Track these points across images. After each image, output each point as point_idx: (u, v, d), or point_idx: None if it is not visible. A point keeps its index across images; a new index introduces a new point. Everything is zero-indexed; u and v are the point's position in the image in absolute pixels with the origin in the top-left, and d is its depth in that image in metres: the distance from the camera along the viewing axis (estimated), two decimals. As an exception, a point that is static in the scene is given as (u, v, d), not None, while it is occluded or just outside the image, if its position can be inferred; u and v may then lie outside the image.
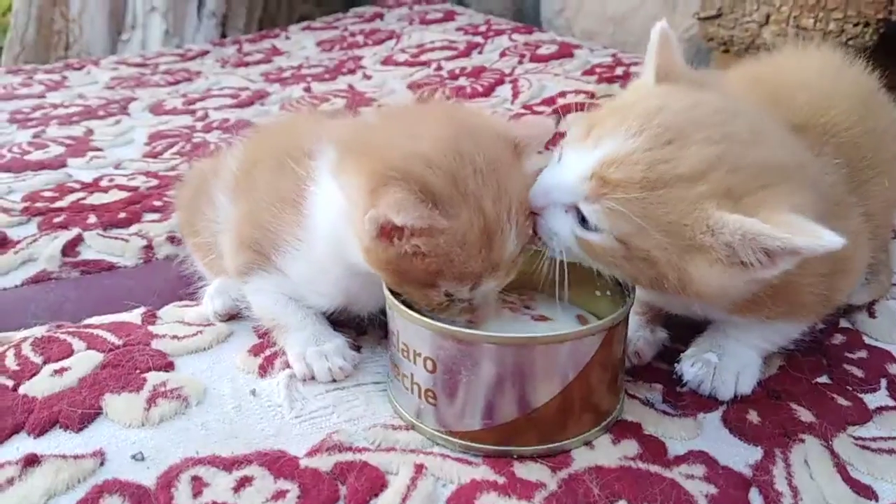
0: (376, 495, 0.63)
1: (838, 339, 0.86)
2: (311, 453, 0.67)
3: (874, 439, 0.71)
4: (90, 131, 1.61)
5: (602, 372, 0.70)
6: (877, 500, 0.65)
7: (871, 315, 0.89)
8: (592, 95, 1.61)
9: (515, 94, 1.66)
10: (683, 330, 0.83)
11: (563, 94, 1.63)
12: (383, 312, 0.82)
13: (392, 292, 0.71)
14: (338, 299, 0.79)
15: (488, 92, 1.71)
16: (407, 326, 0.69)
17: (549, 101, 1.61)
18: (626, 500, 0.63)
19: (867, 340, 0.85)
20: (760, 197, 0.62)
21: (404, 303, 0.70)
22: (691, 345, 0.81)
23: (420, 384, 0.70)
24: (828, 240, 0.58)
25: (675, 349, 0.83)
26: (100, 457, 0.66)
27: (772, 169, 0.64)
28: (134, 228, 1.16)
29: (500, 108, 1.62)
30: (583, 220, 0.66)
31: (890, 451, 0.69)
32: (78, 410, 0.70)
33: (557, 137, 0.76)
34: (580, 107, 1.51)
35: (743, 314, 0.74)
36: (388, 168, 0.64)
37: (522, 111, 1.58)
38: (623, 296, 0.74)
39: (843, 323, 0.89)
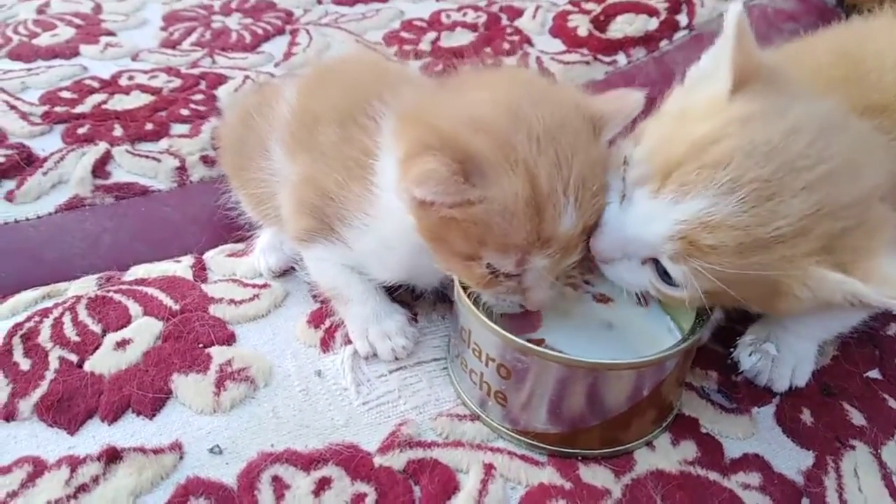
0: (449, 498, 0.66)
1: (893, 328, 0.86)
2: (384, 449, 0.69)
3: (920, 448, 0.74)
4: (98, 7, 1.48)
5: (675, 381, 0.70)
6: (918, 515, 0.68)
7: (928, 303, 0.89)
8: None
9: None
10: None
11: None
12: (442, 285, 0.82)
13: (463, 289, 0.70)
14: (402, 274, 0.77)
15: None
16: (481, 331, 0.68)
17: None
18: (688, 514, 0.66)
19: (920, 331, 0.86)
20: (857, 241, 0.58)
21: (475, 304, 0.69)
22: (748, 330, 0.81)
23: (490, 384, 0.70)
24: None
25: (731, 328, 0.83)
26: (178, 451, 0.67)
27: (866, 200, 0.60)
28: (164, 144, 1.10)
29: (544, 1, 1.50)
30: (664, 274, 0.62)
31: (935, 463, 0.72)
32: (149, 394, 0.71)
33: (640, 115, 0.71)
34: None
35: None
36: (430, 135, 0.61)
37: (569, 7, 1.47)
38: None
39: (899, 309, 0.89)
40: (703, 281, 0.59)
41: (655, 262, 0.62)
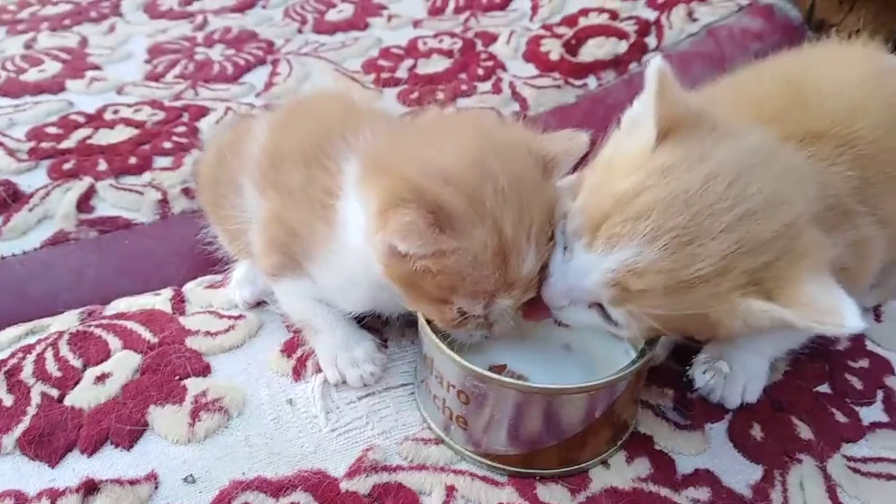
0: (412, 519, 0.69)
1: (843, 344, 0.90)
2: (350, 474, 0.72)
3: (864, 460, 0.77)
4: (84, 41, 1.53)
5: (629, 400, 0.74)
6: (860, 526, 0.72)
7: (878, 318, 0.92)
8: (615, 16, 1.53)
9: (535, 10, 1.58)
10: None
11: (585, 13, 1.54)
12: (409, 312, 0.85)
13: (426, 320, 0.74)
14: (367, 306, 0.81)
15: (505, 4, 1.61)
16: (441, 359, 0.72)
17: (571, 21, 1.53)
18: (638, 528, 0.69)
19: (870, 346, 0.89)
20: (782, 269, 0.62)
21: (436, 331, 0.73)
22: (703, 349, 0.85)
23: (452, 409, 0.74)
24: (850, 325, 0.59)
25: (688, 347, 0.87)
26: (154, 481, 0.71)
27: (788, 230, 0.63)
28: (147, 177, 1.14)
29: (518, 26, 1.54)
30: (608, 316, 0.66)
31: (878, 475, 0.76)
32: (126, 427, 0.74)
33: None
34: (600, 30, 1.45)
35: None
36: (402, 187, 0.64)
37: (542, 32, 1.51)
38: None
39: (850, 325, 0.92)
40: (642, 321, 0.63)
41: (599, 306, 0.66)
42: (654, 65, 0.63)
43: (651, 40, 1.46)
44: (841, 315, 0.59)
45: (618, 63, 1.41)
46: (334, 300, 0.81)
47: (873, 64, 0.84)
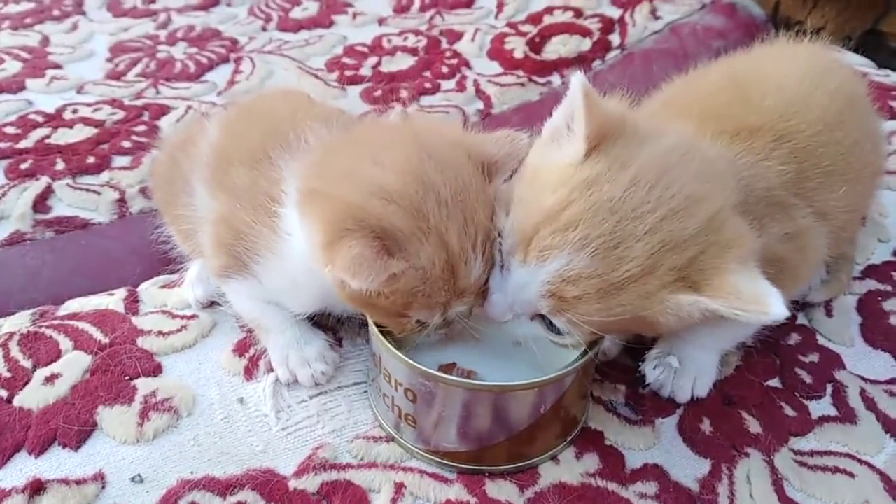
0: (360, 517, 0.70)
1: (793, 338, 0.91)
2: (299, 473, 0.72)
3: (811, 454, 0.78)
4: (46, 40, 1.51)
5: (576, 395, 0.75)
6: (805, 518, 0.73)
7: (829, 314, 0.94)
8: (580, 14, 1.54)
9: (500, 7, 1.58)
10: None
11: (549, 11, 1.55)
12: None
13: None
14: (315, 307, 0.81)
15: (471, 2, 1.62)
16: (389, 358, 0.72)
17: (536, 19, 1.54)
18: (585, 523, 0.70)
19: (821, 341, 0.91)
20: (707, 262, 0.63)
21: (384, 331, 0.73)
22: (655, 345, 0.86)
23: (401, 407, 0.74)
24: (774, 313, 0.60)
25: (641, 343, 0.88)
26: (101, 480, 0.70)
27: (711, 224, 0.64)
28: (105, 176, 1.14)
29: (483, 24, 1.55)
30: (551, 325, 0.67)
31: (824, 468, 0.77)
32: (74, 427, 0.74)
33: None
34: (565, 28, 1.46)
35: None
36: (344, 216, 0.63)
37: (506, 30, 1.52)
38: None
39: (802, 319, 0.93)
40: (582, 327, 0.65)
41: (542, 317, 0.68)
42: (577, 81, 0.64)
43: (615, 38, 1.47)
44: (765, 303, 0.60)
45: (582, 61, 1.42)
46: (281, 300, 0.81)
47: (818, 61, 0.86)
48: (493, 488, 0.73)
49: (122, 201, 1.10)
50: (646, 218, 0.62)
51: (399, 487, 0.72)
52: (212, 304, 0.90)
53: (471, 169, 0.69)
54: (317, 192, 0.67)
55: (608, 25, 1.50)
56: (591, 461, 0.76)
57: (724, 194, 0.65)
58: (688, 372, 0.83)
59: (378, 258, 0.61)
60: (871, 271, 1.00)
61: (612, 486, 0.74)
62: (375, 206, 0.63)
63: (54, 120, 1.26)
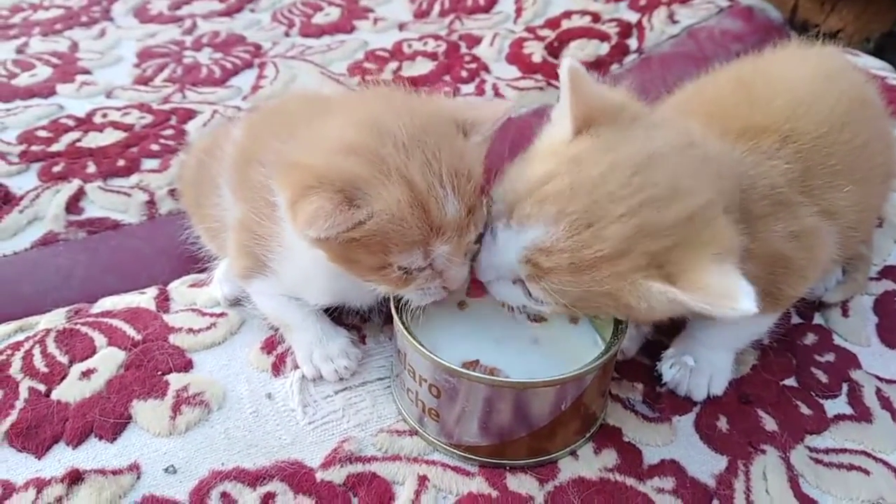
0: (385, 507, 0.72)
1: (810, 338, 0.92)
2: (326, 465, 0.75)
3: (826, 451, 0.79)
4: (75, 45, 1.55)
5: (596, 393, 0.77)
6: (819, 514, 0.74)
7: (845, 313, 0.95)
8: (598, 18, 1.56)
9: (518, 12, 1.60)
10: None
11: (568, 15, 1.57)
12: (382, 304, 0.87)
13: (398, 312, 0.76)
14: (332, 298, 0.84)
15: (489, 7, 1.64)
16: (413, 353, 0.74)
17: (554, 24, 1.56)
18: (603, 516, 0.72)
19: (837, 341, 0.92)
20: (683, 254, 0.65)
21: (408, 327, 0.75)
22: (672, 343, 0.88)
23: (424, 402, 0.76)
24: (743, 307, 0.61)
25: (659, 342, 0.89)
26: (136, 471, 0.73)
27: (692, 218, 0.65)
28: (134, 179, 1.17)
29: (502, 29, 1.57)
30: (529, 292, 0.70)
31: (839, 465, 0.78)
32: (110, 420, 0.77)
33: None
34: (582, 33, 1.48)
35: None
36: (306, 176, 0.66)
37: (525, 34, 1.54)
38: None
39: (818, 319, 0.95)
40: (558, 297, 0.67)
41: (522, 283, 0.70)
42: (567, 64, 0.67)
43: (632, 42, 1.49)
44: (735, 298, 0.61)
45: (599, 65, 1.44)
46: (300, 294, 0.83)
47: (828, 64, 0.87)
48: (514, 482, 0.75)
49: (151, 203, 1.13)
50: (623, 202, 0.64)
51: (422, 480, 0.74)
52: (239, 302, 0.93)
53: (438, 119, 0.71)
54: (284, 162, 0.70)
55: (626, 30, 1.51)
56: (610, 456, 0.78)
57: (713, 193, 0.67)
58: (703, 371, 0.84)
59: (337, 209, 0.63)
60: (887, 272, 1.01)
61: (630, 481, 0.75)
62: (337, 162, 0.66)
63: (85, 124, 1.30)
